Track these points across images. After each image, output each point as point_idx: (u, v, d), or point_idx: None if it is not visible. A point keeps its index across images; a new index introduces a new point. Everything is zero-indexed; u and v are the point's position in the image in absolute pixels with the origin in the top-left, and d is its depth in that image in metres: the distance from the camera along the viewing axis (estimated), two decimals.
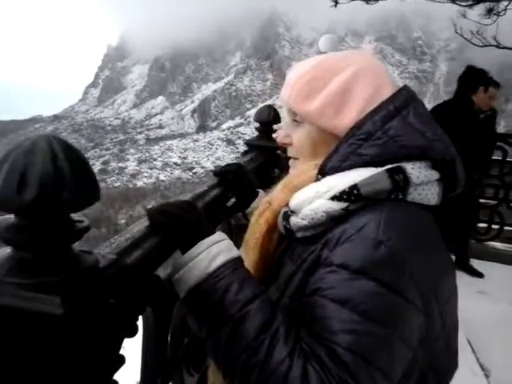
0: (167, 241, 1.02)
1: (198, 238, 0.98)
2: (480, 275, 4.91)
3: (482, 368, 3.36)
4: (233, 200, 1.57)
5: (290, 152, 1.20)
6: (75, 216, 0.73)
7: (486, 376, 3.28)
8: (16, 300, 0.63)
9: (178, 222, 1.01)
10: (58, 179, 0.64)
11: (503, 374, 3.27)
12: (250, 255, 1.18)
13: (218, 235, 1.00)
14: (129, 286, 0.83)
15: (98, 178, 0.72)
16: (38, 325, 0.63)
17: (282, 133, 1.22)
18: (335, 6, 6.85)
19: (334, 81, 1.07)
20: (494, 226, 5.65)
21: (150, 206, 1.05)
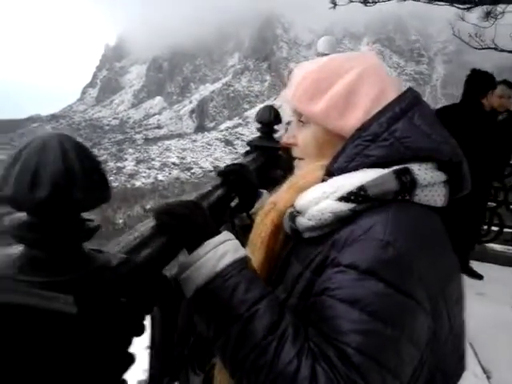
0: (174, 240, 1.02)
1: (204, 238, 0.98)
2: (479, 277, 4.91)
3: (484, 370, 3.35)
4: (236, 200, 1.57)
5: (295, 152, 1.20)
6: (85, 215, 0.73)
7: (488, 378, 3.28)
8: (29, 298, 0.62)
9: (184, 222, 1.01)
10: (70, 178, 0.63)
11: (504, 376, 3.27)
12: (255, 255, 1.18)
13: (224, 235, 1.01)
14: (139, 285, 0.83)
15: None
16: (51, 323, 0.63)
17: (286, 133, 1.22)
18: (334, 7, 6.86)
19: (338, 82, 1.08)
20: (493, 228, 5.66)
21: (150, 206, 1.05)
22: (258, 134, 2.59)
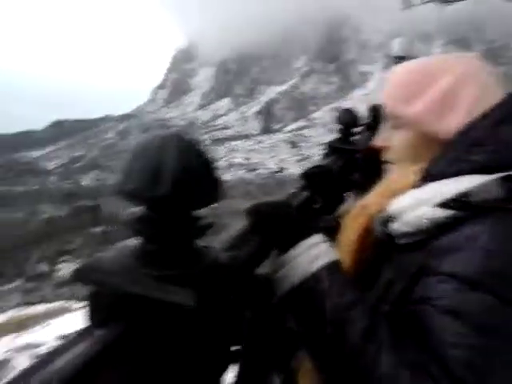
0: (267, 240, 1.02)
1: (297, 238, 0.97)
2: None
3: None
4: (320, 202, 1.57)
5: (387, 156, 1.18)
6: (198, 212, 0.74)
7: None
8: (151, 290, 0.64)
9: (275, 221, 1.00)
10: (189, 176, 0.65)
11: None
12: (344, 259, 1.13)
13: (317, 237, 1.00)
14: (243, 284, 0.83)
15: None
16: (169, 316, 0.64)
17: (378, 136, 1.20)
18: (409, 8, 6.66)
19: (436, 84, 1.05)
20: None
21: (248, 205, 1.05)
22: (337, 136, 2.58)
